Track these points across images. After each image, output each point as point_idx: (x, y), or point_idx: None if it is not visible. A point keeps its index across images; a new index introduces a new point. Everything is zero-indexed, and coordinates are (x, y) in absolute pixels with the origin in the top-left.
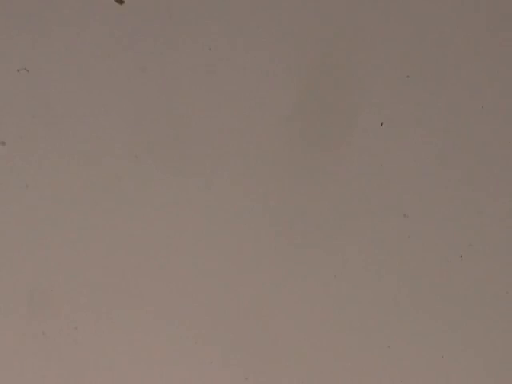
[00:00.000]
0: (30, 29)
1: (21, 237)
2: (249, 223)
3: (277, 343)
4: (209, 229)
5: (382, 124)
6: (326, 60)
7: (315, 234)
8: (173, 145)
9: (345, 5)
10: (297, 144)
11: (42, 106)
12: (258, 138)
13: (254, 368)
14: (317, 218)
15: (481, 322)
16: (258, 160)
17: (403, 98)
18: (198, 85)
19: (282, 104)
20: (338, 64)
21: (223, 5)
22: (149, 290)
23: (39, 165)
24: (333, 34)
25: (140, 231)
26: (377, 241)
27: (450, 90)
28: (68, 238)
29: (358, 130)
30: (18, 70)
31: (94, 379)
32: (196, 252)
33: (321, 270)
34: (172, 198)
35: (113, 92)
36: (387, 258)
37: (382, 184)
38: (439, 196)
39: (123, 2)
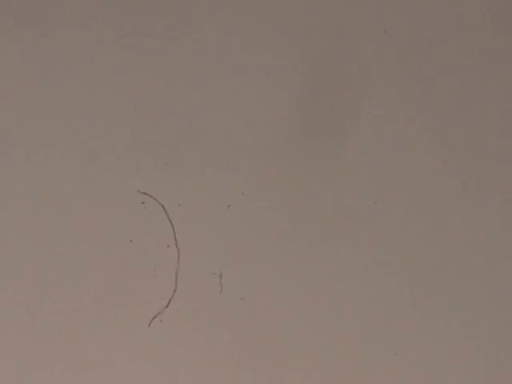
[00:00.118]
0: (30, 27)
1: (21, 236)
2: (249, 223)
3: (280, 343)
4: (209, 229)
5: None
6: (327, 59)
7: (315, 233)
8: (173, 144)
9: (345, 5)
10: (297, 143)
11: (41, 106)
12: (259, 138)
13: (257, 367)
14: (317, 218)
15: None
16: (258, 159)
17: (403, 97)
18: (198, 85)
19: (281, 104)
20: (339, 64)
21: (223, 4)
22: (149, 290)
23: (39, 164)
24: (333, 34)
25: (140, 231)
26: (377, 241)
27: (452, 91)
28: (68, 238)
29: (359, 129)
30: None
31: (94, 377)
32: (196, 252)
33: (321, 269)
34: (172, 198)
35: (112, 92)
36: (387, 258)
37: (382, 184)
38: (439, 196)
39: None
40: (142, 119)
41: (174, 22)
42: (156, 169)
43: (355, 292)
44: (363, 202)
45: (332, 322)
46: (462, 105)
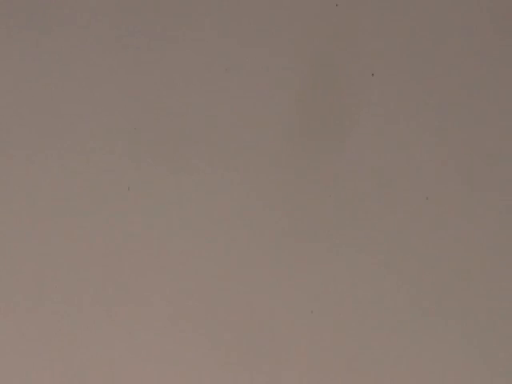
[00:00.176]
0: (30, 27)
1: (21, 236)
2: (249, 223)
3: (279, 342)
4: (209, 228)
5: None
6: (326, 59)
7: (315, 233)
8: (173, 144)
9: (345, 5)
10: (297, 143)
11: (41, 106)
12: (258, 138)
13: (256, 367)
14: (316, 218)
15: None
16: (258, 159)
17: (403, 97)
18: (198, 84)
19: (281, 103)
20: (339, 63)
21: (223, 4)
22: (149, 289)
23: (40, 168)
24: (333, 34)
25: (140, 231)
26: (377, 240)
27: (453, 90)
28: (68, 238)
29: (358, 128)
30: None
31: (94, 376)
32: (196, 251)
33: (320, 269)
34: (172, 198)
35: (112, 91)
36: (387, 258)
37: (382, 183)
38: (439, 196)
39: None
40: (142, 119)
41: (174, 21)
42: (156, 168)
43: (355, 292)
44: (363, 202)
45: (331, 322)
46: (462, 105)
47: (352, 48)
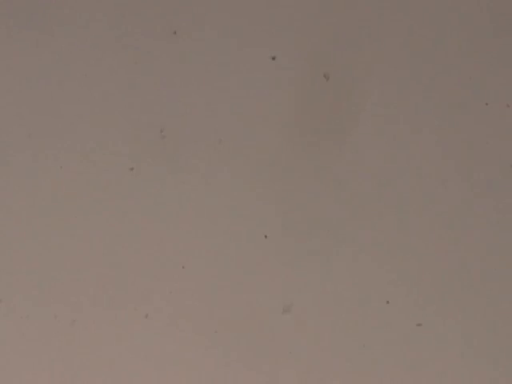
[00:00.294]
0: (30, 27)
1: (21, 236)
2: (249, 223)
3: (277, 342)
4: (209, 228)
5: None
6: (326, 58)
7: (315, 233)
8: (172, 144)
9: (344, 4)
10: (296, 143)
11: (40, 105)
12: (258, 137)
13: (256, 367)
14: (317, 218)
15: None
16: (257, 159)
17: (403, 97)
18: (198, 84)
19: (281, 103)
20: (339, 63)
21: (222, 4)
22: (150, 289)
23: (41, 169)
24: (333, 33)
25: (141, 231)
26: (377, 240)
27: (453, 90)
28: (68, 237)
29: (359, 128)
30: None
31: (94, 376)
32: (196, 251)
33: (320, 269)
34: (172, 198)
35: (112, 91)
36: (387, 258)
37: (382, 183)
38: (439, 195)
39: None
40: (142, 119)
41: (174, 21)
42: (155, 168)
43: (355, 292)
44: (363, 202)
45: (331, 322)
46: (462, 105)
47: (352, 48)
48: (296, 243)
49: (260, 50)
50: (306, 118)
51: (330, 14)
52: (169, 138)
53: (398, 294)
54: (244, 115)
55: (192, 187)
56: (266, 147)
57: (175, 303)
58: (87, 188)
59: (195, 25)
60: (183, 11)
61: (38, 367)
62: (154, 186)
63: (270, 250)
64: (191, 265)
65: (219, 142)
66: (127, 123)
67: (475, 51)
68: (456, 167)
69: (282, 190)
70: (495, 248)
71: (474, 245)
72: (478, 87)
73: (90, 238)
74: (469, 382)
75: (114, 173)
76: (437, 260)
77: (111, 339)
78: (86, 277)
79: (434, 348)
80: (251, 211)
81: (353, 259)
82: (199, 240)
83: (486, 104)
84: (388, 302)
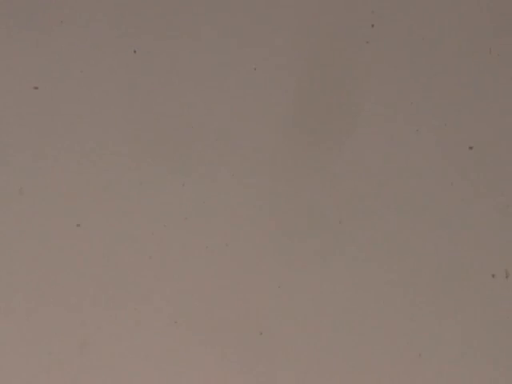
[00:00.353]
0: (30, 27)
1: (21, 237)
2: (249, 223)
3: (276, 342)
4: (209, 228)
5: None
6: (326, 58)
7: (315, 233)
8: (172, 144)
9: (344, 4)
10: (296, 143)
11: (40, 105)
12: (258, 137)
13: (255, 367)
14: (317, 218)
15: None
16: (257, 158)
17: (403, 97)
18: (198, 84)
19: (280, 103)
20: (338, 63)
21: (222, 4)
22: (150, 289)
23: (42, 168)
24: (333, 32)
25: (141, 230)
26: (377, 240)
27: (453, 90)
28: (68, 237)
29: (359, 128)
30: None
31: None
32: (196, 251)
33: (320, 269)
34: (172, 197)
35: (112, 91)
36: (387, 257)
37: (382, 183)
38: (439, 195)
39: None
40: (141, 119)
41: (174, 21)
42: (155, 168)
43: (355, 292)
44: (363, 202)
45: (330, 322)
46: (462, 104)
47: (352, 48)
48: (295, 243)
49: (260, 49)
50: (306, 118)
51: (330, 14)
52: (168, 138)
53: (398, 293)
54: (243, 115)
55: (192, 187)
56: (266, 147)
57: (175, 303)
58: (87, 188)
59: (195, 25)
60: (183, 11)
61: (38, 367)
62: (154, 186)
63: (270, 250)
64: (191, 265)
65: (219, 142)
66: (127, 123)
67: (475, 51)
68: (456, 167)
69: (281, 189)
70: (495, 248)
71: (474, 245)
72: (478, 87)
73: (90, 238)
74: (469, 382)
75: (114, 173)
76: (437, 260)
77: (111, 339)
78: (86, 277)
79: (434, 348)
80: (251, 211)
81: (352, 259)
82: (199, 240)
83: (486, 104)
84: (388, 302)
